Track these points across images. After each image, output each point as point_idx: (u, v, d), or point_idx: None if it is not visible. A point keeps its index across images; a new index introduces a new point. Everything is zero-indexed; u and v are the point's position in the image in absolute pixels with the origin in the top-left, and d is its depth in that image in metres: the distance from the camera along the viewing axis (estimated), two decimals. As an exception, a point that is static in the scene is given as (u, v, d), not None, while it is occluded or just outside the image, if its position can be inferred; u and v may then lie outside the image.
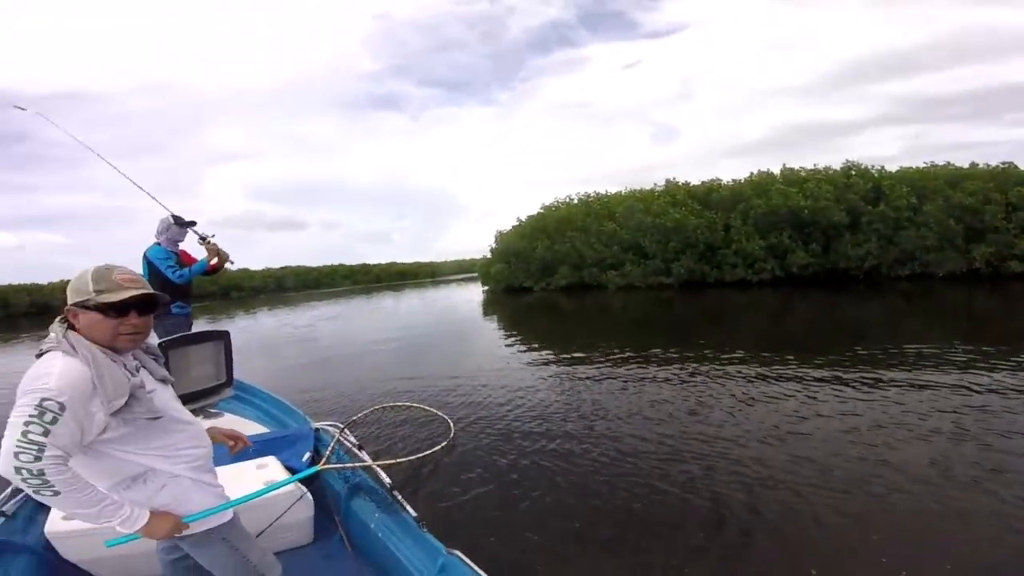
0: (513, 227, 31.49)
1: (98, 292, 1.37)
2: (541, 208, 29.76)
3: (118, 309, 1.38)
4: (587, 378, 7.01)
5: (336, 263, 79.49)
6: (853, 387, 5.75)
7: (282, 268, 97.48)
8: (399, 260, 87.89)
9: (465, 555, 1.81)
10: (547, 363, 8.33)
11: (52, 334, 1.37)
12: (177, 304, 4.13)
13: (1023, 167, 23.36)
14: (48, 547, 2.05)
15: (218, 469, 2.53)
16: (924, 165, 24.88)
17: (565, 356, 8.78)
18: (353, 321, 21.71)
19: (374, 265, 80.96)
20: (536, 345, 10.25)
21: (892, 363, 6.73)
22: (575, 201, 28.53)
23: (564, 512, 3.25)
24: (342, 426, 3.18)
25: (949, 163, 24.56)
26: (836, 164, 25.29)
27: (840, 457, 3.90)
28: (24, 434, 1.19)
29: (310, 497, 2.28)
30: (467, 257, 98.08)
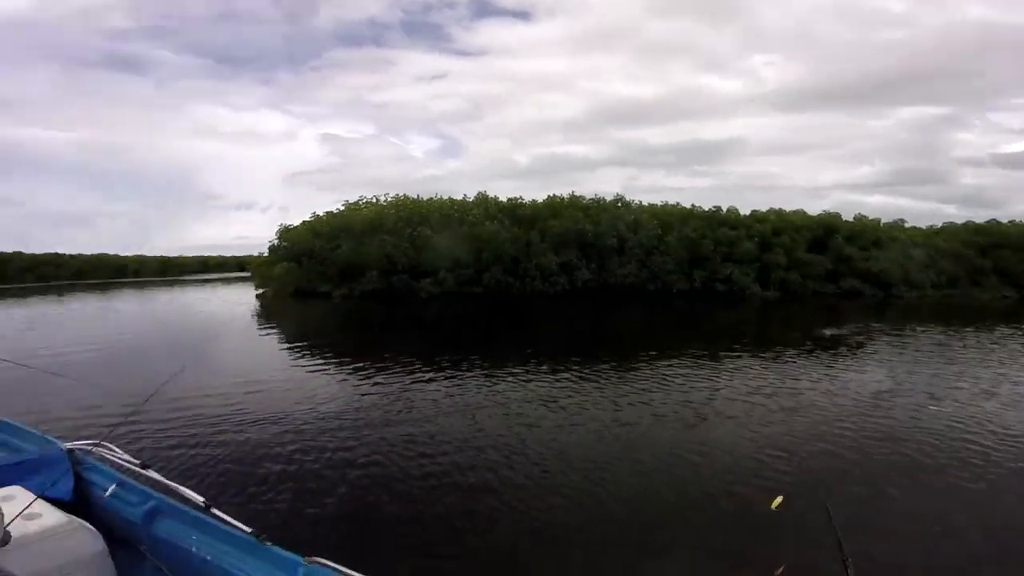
0: (304, 223, 28.14)
1: None
2: (342, 206, 27.37)
3: None
4: (404, 383, 8.06)
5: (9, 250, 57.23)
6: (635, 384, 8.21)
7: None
8: (110, 252, 67.37)
9: (328, 560, 1.54)
10: (359, 373, 9.05)
11: None
12: None
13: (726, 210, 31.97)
14: None
15: None
16: (662, 203, 31.81)
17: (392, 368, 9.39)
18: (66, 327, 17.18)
19: (73, 256, 60.77)
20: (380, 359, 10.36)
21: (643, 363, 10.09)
22: (384, 202, 27.11)
23: (404, 515, 3.95)
24: (106, 443, 2.41)
25: (678, 203, 31.92)
26: (588, 194, 30.42)
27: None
28: None
29: (92, 528, 1.92)
30: (214, 253, 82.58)
